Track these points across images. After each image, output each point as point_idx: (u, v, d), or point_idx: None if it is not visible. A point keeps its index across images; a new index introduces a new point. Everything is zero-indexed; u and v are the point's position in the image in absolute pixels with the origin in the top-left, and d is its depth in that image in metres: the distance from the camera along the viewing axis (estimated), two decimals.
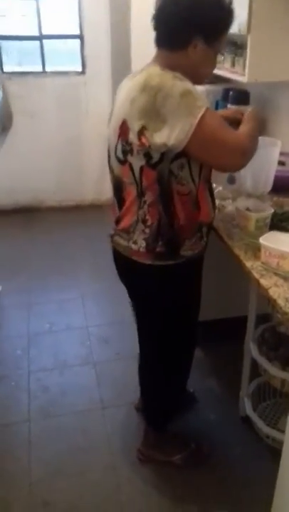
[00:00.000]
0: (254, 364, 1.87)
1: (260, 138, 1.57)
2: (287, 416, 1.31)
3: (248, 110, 1.62)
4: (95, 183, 4.25)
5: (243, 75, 1.95)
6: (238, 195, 1.88)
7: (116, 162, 1.46)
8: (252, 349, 1.83)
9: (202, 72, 1.42)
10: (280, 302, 1.27)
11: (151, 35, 1.42)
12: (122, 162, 1.42)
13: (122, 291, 1.71)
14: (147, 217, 1.44)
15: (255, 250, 1.51)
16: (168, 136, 1.29)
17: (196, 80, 1.39)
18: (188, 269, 1.55)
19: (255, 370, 1.86)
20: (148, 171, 1.37)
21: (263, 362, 1.76)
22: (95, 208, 4.28)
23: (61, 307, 2.93)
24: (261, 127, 1.61)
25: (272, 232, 1.54)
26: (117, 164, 1.46)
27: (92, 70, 3.98)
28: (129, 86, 1.38)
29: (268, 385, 1.91)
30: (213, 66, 1.45)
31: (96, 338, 2.63)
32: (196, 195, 1.45)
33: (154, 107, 1.28)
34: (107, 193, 3.71)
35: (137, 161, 1.37)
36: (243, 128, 1.48)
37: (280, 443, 1.38)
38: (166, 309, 1.60)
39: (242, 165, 1.44)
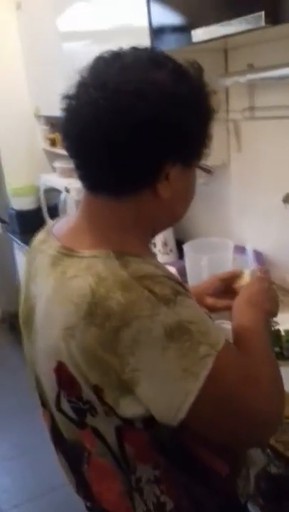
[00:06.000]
0: None
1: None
2: None
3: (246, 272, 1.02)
4: None
5: None
6: None
7: (63, 418, 0.79)
8: None
9: (177, 211, 0.81)
10: None
11: None
12: (79, 425, 0.77)
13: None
14: (162, 499, 0.79)
15: None
16: (144, 407, 0.68)
17: (163, 227, 0.84)
18: None
19: None
20: (132, 433, 0.72)
21: None
22: None
23: None
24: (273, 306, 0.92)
25: None
26: (66, 423, 0.79)
27: None
28: (55, 289, 0.71)
29: None
30: (194, 192, 0.82)
31: None
32: None
33: (112, 353, 0.64)
34: None
35: (106, 423, 0.73)
36: (255, 345, 0.78)
37: None
38: None
39: (271, 434, 0.84)
